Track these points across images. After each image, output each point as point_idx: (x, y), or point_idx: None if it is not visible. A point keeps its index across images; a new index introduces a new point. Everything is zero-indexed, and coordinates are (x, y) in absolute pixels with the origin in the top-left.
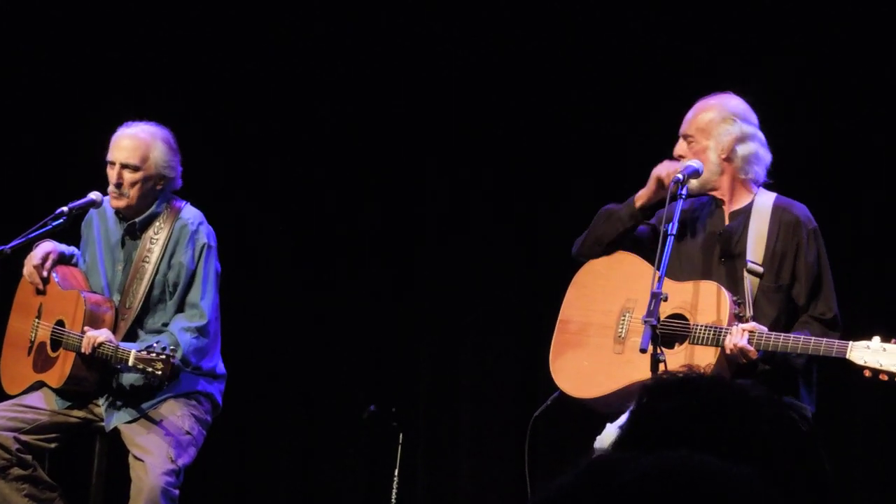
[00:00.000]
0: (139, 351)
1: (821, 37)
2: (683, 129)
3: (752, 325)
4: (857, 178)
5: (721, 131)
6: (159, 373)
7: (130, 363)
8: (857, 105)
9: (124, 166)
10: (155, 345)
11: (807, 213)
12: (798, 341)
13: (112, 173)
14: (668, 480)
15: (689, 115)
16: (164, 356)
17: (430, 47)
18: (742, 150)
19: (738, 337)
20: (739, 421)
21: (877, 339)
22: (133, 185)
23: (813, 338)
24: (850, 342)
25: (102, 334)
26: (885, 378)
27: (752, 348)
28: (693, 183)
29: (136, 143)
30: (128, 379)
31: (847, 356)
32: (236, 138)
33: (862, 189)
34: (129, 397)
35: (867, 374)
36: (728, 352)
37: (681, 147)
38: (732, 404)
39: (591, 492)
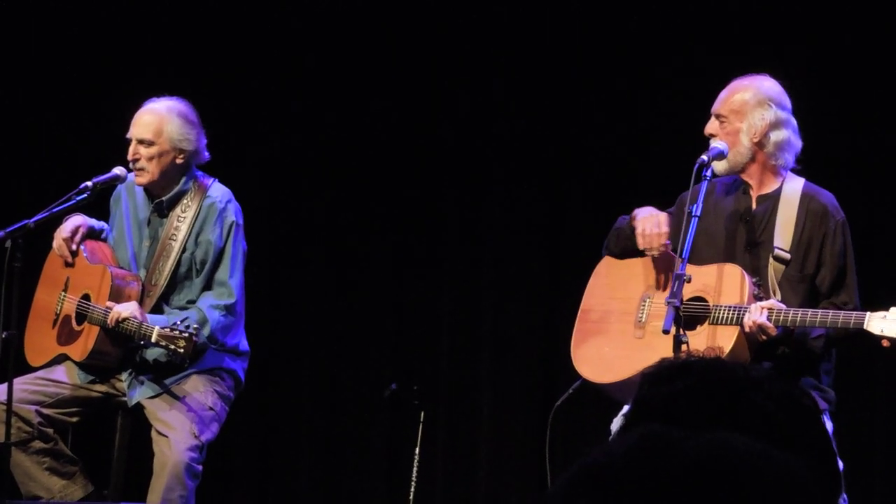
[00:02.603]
0: (163, 328)
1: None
2: (716, 108)
3: (770, 301)
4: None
5: (755, 115)
6: (181, 350)
7: (153, 339)
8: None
9: (140, 142)
10: (179, 322)
11: (835, 203)
12: (816, 315)
13: (129, 149)
14: (728, 463)
15: (724, 94)
16: (187, 334)
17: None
18: (775, 136)
19: (757, 314)
20: (740, 399)
21: (894, 309)
22: (150, 159)
23: (831, 311)
24: (868, 312)
25: (128, 309)
26: None
27: (770, 324)
28: (718, 165)
29: (151, 118)
30: (151, 354)
31: (865, 326)
32: (258, 119)
33: (882, 164)
34: (152, 373)
35: (885, 343)
36: (748, 329)
37: (713, 126)
38: (732, 383)
39: (647, 469)
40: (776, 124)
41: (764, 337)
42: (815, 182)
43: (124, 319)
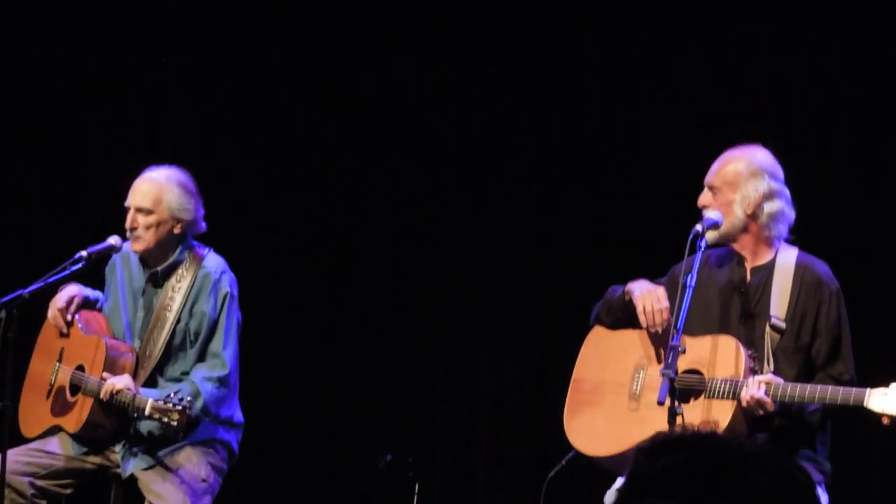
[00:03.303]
0: (156, 401)
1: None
2: (709, 179)
3: (768, 376)
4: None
5: (749, 186)
6: (175, 423)
7: (147, 412)
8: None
9: (138, 210)
10: (172, 395)
11: (829, 273)
12: (815, 390)
13: (128, 218)
14: None
15: (716, 165)
16: (180, 407)
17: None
18: (769, 207)
19: (754, 388)
20: (734, 475)
21: (894, 385)
22: (147, 228)
23: (830, 387)
24: (868, 389)
25: (121, 382)
26: None
27: (768, 399)
28: (712, 234)
29: (150, 187)
30: (145, 427)
31: (865, 404)
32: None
33: (877, 231)
34: (145, 444)
35: (885, 421)
36: (745, 404)
37: (706, 197)
38: (726, 459)
39: None
40: (770, 195)
41: (761, 412)
42: (811, 252)
43: (118, 392)
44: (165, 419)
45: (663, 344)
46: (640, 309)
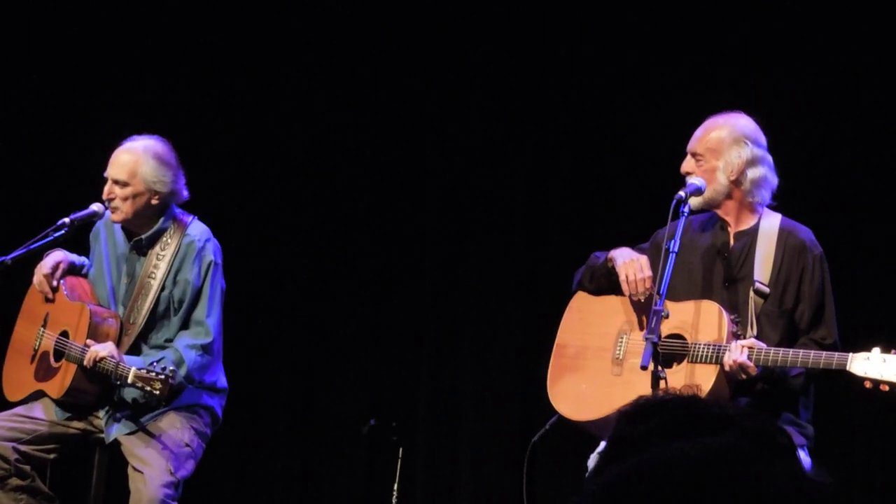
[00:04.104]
0: (139, 369)
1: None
2: (692, 146)
3: (751, 340)
4: (856, 186)
5: (732, 153)
6: (157, 392)
7: (130, 381)
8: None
9: (115, 182)
10: (155, 363)
11: (812, 238)
12: (798, 355)
13: (105, 189)
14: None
15: (699, 132)
16: (163, 376)
17: (433, 45)
18: (752, 173)
19: (737, 353)
20: (715, 436)
21: (876, 350)
22: (124, 199)
23: (812, 351)
24: (851, 354)
25: (105, 349)
26: (886, 389)
27: (751, 363)
28: (695, 200)
29: (126, 159)
30: (128, 394)
31: (847, 368)
32: (230, 149)
33: (860, 199)
34: (129, 410)
35: (868, 385)
36: (728, 368)
37: (689, 164)
38: (706, 421)
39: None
40: (752, 162)
41: (744, 376)
42: (794, 217)
43: (101, 359)
44: (148, 388)
45: (646, 310)
46: (622, 278)
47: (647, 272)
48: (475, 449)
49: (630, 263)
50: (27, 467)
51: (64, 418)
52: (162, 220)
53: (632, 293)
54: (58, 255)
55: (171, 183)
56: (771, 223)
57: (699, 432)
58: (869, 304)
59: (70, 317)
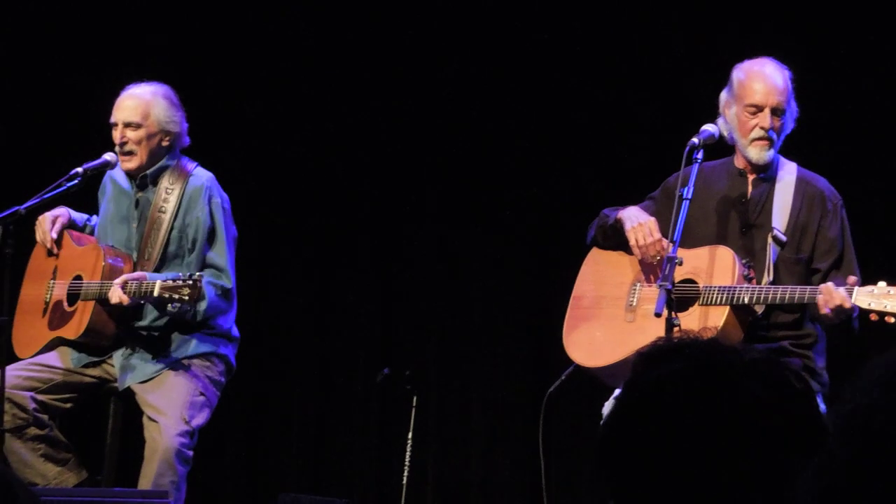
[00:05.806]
0: (164, 280)
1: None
2: (774, 100)
3: (853, 278)
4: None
5: (793, 100)
6: (187, 297)
7: (156, 294)
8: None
9: (127, 125)
10: (181, 274)
11: (830, 188)
12: (805, 290)
13: (116, 134)
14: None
15: (777, 84)
16: (190, 282)
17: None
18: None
19: (838, 296)
20: (733, 383)
21: (882, 283)
22: (138, 142)
23: (809, 287)
24: (856, 287)
25: (127, 275)
26: (892, 320)
27: (849, 299)
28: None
29: (136, 102)
30: (149, 320)
31: (853, 300)
32: (243, 119)
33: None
34: (146, 350)
35: (873, 317)
36: (828, 313)
37: (772, 121)
38: (725, 367)
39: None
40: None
41: (750, 318)
42: (807, 167)
43: (125, 283)
44: (177, 296)
45: (660, 261)
46: (632, 242)
47: (657, 235)
48: (490, 398)
49: (639, 228)
50: (45, 417)
51: (80, 365)
52: (167, 158)
53: (644, 257)
54: (57, 210)
55: (180, 123)
56: (789, 171)
57: (717, 380)
58: (880, 245)
59: (83, 261)
